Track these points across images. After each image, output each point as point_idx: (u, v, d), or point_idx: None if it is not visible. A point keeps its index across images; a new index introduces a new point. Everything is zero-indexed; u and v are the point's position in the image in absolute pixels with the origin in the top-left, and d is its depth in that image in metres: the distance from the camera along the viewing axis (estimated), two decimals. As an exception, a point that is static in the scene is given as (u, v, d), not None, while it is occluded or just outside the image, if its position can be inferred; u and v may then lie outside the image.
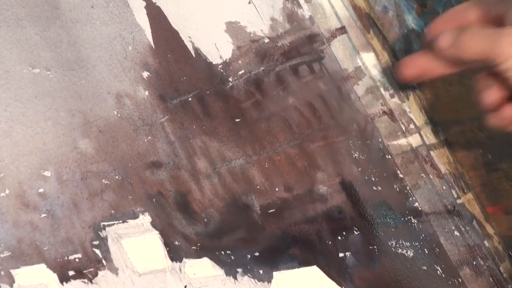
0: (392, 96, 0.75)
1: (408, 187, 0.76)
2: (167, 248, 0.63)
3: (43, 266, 0.57)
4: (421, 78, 0.70)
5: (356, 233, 0.74)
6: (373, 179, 0.76)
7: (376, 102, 0.75)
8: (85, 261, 0.59)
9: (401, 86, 0.76)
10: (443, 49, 0.67)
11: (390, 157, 0.77)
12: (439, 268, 0.74)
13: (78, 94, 0.64)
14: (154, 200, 0.64)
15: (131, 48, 0.69)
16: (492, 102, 0.66)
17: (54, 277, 0.57)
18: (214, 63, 0.74)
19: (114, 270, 0.60)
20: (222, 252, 0.66)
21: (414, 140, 0.75)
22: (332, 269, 0.71)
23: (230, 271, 0.65)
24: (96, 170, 0.62)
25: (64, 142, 0.62)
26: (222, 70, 0.74)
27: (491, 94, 0.66)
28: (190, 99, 0.71)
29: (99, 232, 0.60)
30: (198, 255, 0.64)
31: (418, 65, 0.70)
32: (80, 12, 0.67)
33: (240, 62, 0.75)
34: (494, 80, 0.65)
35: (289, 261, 0.69)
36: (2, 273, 0.55)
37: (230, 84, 0.74)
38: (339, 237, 0.73)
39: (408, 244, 0.75)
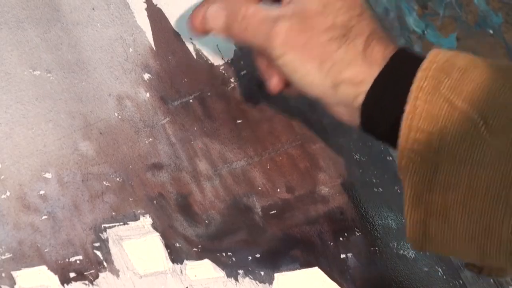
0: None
1: (409, 189, 0.76)
2: (168, 250, 0.63)
3: (44, 268, 0.57)
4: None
5: (358, 234, 0.74)
6: (374, 180, 0.76)
7: (377, 104, 0.75)
8: (86, 263, 0.59)
9: None
10: (216, 32, 0.66)
11: (391, 158, 0.77)
12: (440, 270, 0.74)
13: (78, 96, 0.64)
14: (155, 202, 0.64)
15: (132, 50, 0.69)
16: (278, 89, 0.66)
17: (55, 279, 0.57)
18: (215, 64, 0.74)
19: (115, 272, 0.60)
20: (223, 254, 0.66)
21: (415, 142, 0.75)
22: (333, 271, 0.71)
23: (231, 273, 0.65)
24: (97, 172, 0.62)
25: (65, 144, 0.62)
26: (223, 71, 0.74)
27: (274, 84, 0.66)
28: (191, 100, 0.71)
29: (100, 234, 0.60)
30: (199, 257, 0.64)
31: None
32: (80, 14, 0.67)
33: (242, 62, 0.75)
34: (274, 69, 0.65)
35: (290, 262, 0.69)
36: (3, 275, 0.55)
37: (232, 85, 0.74)
38: (341, 238, 0.73)
39: (409, 245, 0.75)
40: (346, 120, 0.64)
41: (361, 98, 0.60)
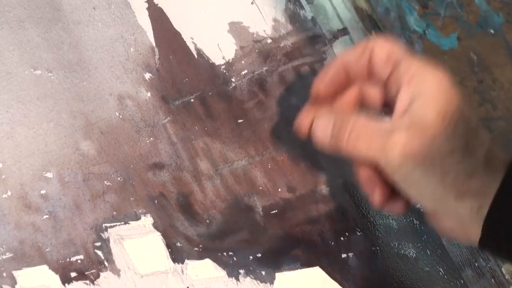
0: (394, 97, 0.75)
1: (410, 188, 0.76)
2: (169, 250, 0.63)
3: (45, 267, 0.57)
4: None
5: (359, 234, 0.74)
6: (375, 180, 0.76)
7: (378, 103, 0.75)
8: (87, 262, 0.59)
9: None
10: (324, 148, 0.62)
11: (392, 158, 0.77)
12: (441, 269, 0.74)
13: (80, 96, 0.64)
14: (156, 201, 0.64)
15: (133, 50, 0.69)
16: (383, 202, 0.62)
17: (56, 278, 0.57)
18: (216, 63, 0.74)
19: (116, 272, 0.60)
20: (224, 253, 0.66)
21: (416, 141, 0.75)
22: (334, 270, 0.71)
23: (232, 273, 0.65)
24: (98, 172, 0.62)
25: (66, 143, 0.62)
26: (224, 71, 0.74)
27: (380, 196, 0.62)
28: (192, 100, 0.71)
29: (101, 234, 0.60)
30: (200, 256, 0.64)
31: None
32: (81, 13, 0.67)
33: (243, 62, 0.75)
34: (378, 178, 0.62)
35: (291, 262, 0.69)
36: (4, 274, 0.55)
37: (233, 85, 0.74)
38: (342, 238, 0.73)
39: (410, 245, 0.75)
40: (456, 234, 0.61)
41: (484, 210, 0.57)
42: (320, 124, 0.63)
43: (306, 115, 0.65)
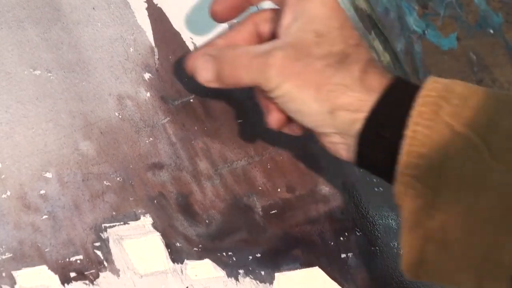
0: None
1: (410, 188, 0.76)
2: (169, 250, 0.63)
3: (44, 267, 0.57)
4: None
5: (358, 234, 0.74)
6: (374, 180, 0.76)
7: (378, 103, 0.75)
8: (87, 262, 0.59)
9: None
10: (207, 84, 0.64)
11: (392, 158, 0.77)
12: (441, 269, 0.74)
13: (79, 96, 0.64)
14: (155, 201, 0.64)
15: (132, 50, 0.69)
16: (277, 125, 0.65)
17: (55, 278, 0.57)
18: (216, 63, 0.74)
19: (116, 272, 0.60)
20: (224, 254, 0.66)
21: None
22: (334, 270, 0.71)
23: (232, 273, 0.65)
24: (98, 172, 0.62)
25: (65, 143, 0.62)
26: (224, 71, 0.74)
27: (274, 119, 0.64)
28: (191, 100, 0.71)
29: (100, 234, 0.60)
30: (199, 256, 0.64)
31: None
32: (81, 13, 0.67)
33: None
34: (272, 103, 0.63)
35: (291, 262, 0.69)
36: (4, 274, 0.55)
37: (233, 85, 0.74)
38: (341, 238, 0.73)
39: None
40: (340, 152, 0.63)
41: (358, 125, 0.59)
42: (199, 66, 0.63)
43: (191, 55, 0.65)
